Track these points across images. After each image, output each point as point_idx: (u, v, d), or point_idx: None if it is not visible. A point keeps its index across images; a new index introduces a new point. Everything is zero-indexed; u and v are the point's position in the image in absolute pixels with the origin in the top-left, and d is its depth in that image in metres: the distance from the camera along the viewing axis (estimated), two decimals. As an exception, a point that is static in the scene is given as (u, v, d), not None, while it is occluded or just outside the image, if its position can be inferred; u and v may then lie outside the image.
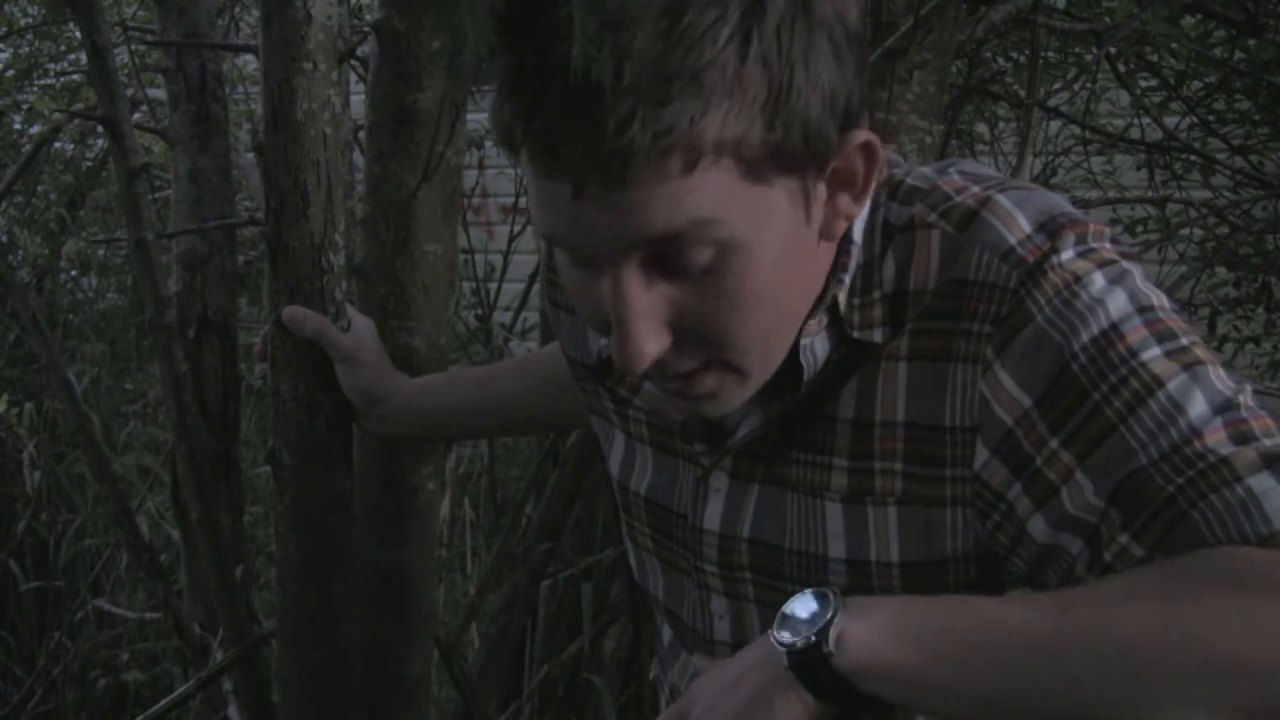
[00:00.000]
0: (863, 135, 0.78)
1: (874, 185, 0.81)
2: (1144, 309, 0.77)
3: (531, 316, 3.14)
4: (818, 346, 0.83)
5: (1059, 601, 0.73)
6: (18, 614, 3.07)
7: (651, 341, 0.75)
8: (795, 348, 0.82)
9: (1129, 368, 0.75)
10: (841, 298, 0.83)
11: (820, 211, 0.79)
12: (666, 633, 1.06)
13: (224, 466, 1.54)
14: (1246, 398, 0.75)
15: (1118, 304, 0.77)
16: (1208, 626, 0.68)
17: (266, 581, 2.07)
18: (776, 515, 0.89)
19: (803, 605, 0.76)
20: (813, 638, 0.73)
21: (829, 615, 0.74)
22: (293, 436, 1.25)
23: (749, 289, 0.75)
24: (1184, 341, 0.76)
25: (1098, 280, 0.77)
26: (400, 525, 1.44)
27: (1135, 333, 0.76)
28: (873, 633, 0.73)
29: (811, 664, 0.74)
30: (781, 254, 0.76)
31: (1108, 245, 0.80)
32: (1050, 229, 0.79)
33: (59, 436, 3.30)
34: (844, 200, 0.80)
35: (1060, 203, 0.82)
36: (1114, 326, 0.76)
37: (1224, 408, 0.74)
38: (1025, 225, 0.79)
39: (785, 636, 0.75)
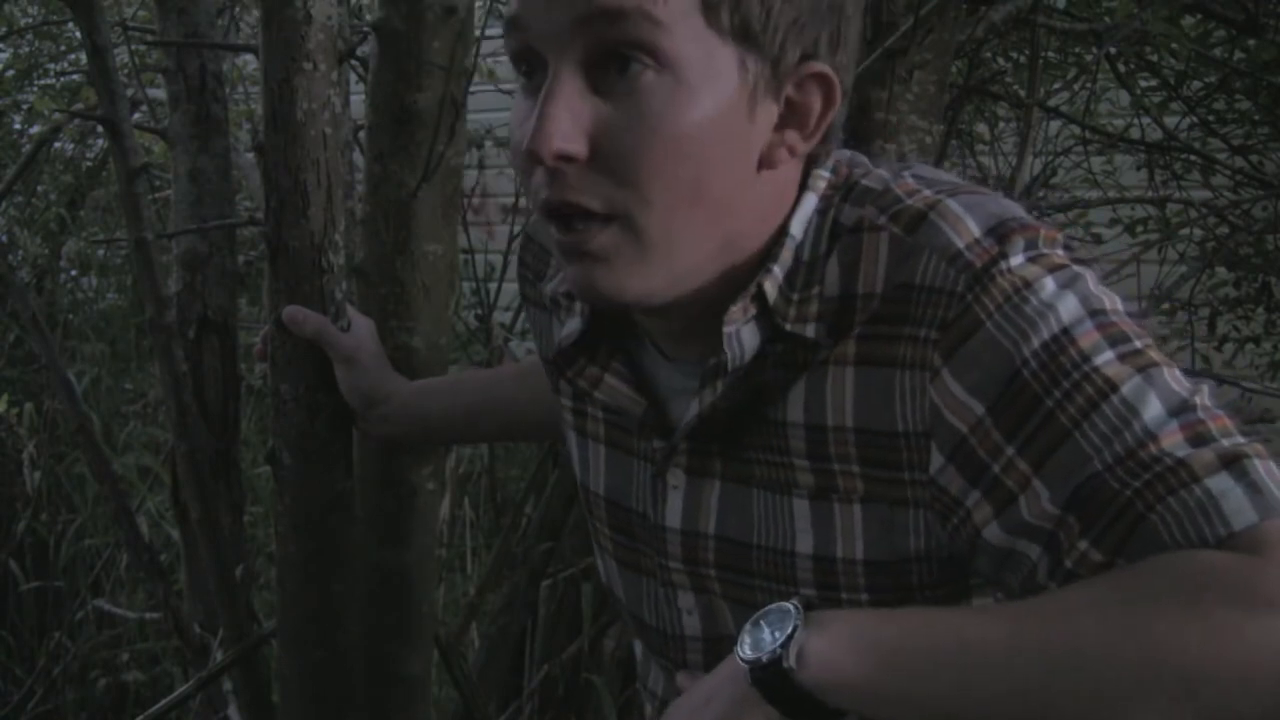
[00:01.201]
0: (821, 66, 0.80)
1: (825, 129, 0.82)
2: (1096, 312, 0.76)
3: (531, 316, 3.14)
4: (745, 336, 0.83)
5: (1017, 613, 0.73)
6: (18, 614, 3.07)
7: (563, 134, 0.76)
8: (720, 336, 0.83)
9: (1081, 373, 0.74)
10: (769, 288, 0.83)
11: (766, 127, 0.80)
12: (638, 646, 1.06)
13: (224, 466, 1.54)
14: (1203, 398, 0.75)
15: (1069, 308, 0.76)
16: (1165, 635, 0.67)
17: (266, 581, 2.07)
18: (742, 512, 0.89)
19: (767, 619, 0.75)
20: (777, 651, 0.73)
21: (789, 631, 0.73)
22: (293, 436, 1.25)
23: (672, 125, 0.76)
24: (1138, 344, 0.76)
25: (1048, 285, 0.77)
26: (400, 525, 1.44)
27: (1087, 337, 0.75)
28: (834, 648, 0.72)
29: (774, 680, 0.73)
30: (715, 121, 0.77)
31: (1059, 251, 0.79)
32: (999, 233, 0.78)
33: (59, 436, 3.30)
34: (792, 135, 0.82)
35: (1012, 208, 0.81)
36: (1065, 331, 0.75)
37: (1180, 409, 0.73)
38: (974, 229, 0.78)
39: (748, 653, 0.74)
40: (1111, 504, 0.72)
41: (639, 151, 0.77)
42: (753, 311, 0.83)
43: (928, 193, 0.82)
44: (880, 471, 0.82)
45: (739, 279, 0.83)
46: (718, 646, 0.93)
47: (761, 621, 0.75)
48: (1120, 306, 0.78)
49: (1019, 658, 0.69)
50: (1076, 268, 0.78)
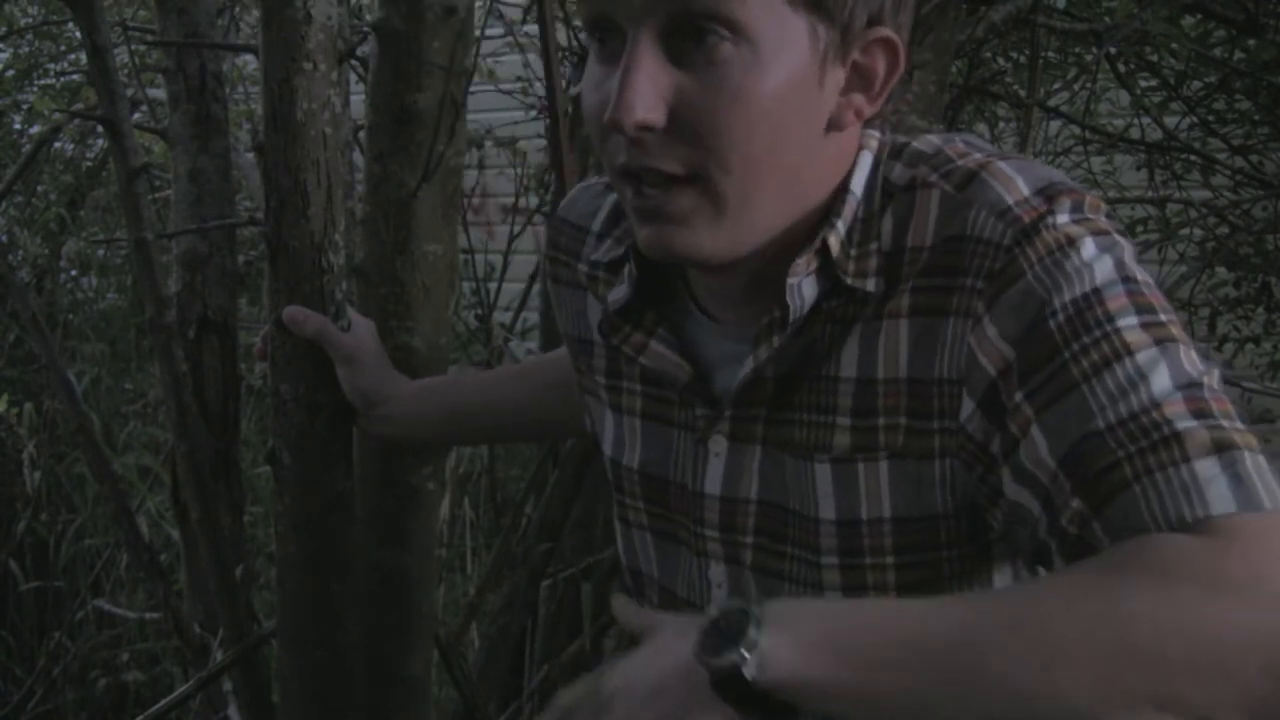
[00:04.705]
0: (887, 30, 0.83)
1: (889, 91, 0.85)
2: (1128, 279, 0.79)
3: (531, 317, 3.14)
4: (805, 288, 0.86)
5: (983, 602, 0.74)
6: (18, 614, 3.07)
7: (645, 104, 0.79)
8: (784, 288, 0.85)
9: (1103, 331, 0.76)
10: (834, 243, 0.85)
11: (835, 92, 0.84)
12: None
13: (224, 466, 1.54)
14: (1212, 380, 0.76)
15: (1104, 270, 0.78)
16: (1131, 619, 0.66)
17: (266, 581, 2.07)
18: (779, 476, 0.91)
19: (724, 618, 0.73)
20: (736, 660, 0.71)
21: (749, 633, 0.71)
22: (293, 436, 1.25)
23: (750, 95, 0.79)
24: (1162, 318, 0.78)
25: (1089, 246, 0.79)
26: (400, 525, 1.44)
27: (1116, 300, 0.78)
28: (795, 648, 0.71)
29: (733, 683, 0.71)
30: (789, 89, 0.80)
31: (1103, 218, 0.82)
32: (1048, 193, 0.81)
33: (59, 436, 3.30)
34: (859, 99, 0.85)
35: (1060, 174, 0.84)
36: (1096, 290, 0.78)
37: (1187, 384, 0.75)
38: (1024, 188, 0.82)
39: (706, 655, 0.72)
40: (1103, 461, 0.73)
41: (718, 121, 0.80)
42: (815, 264, 0.86)
43: (979, 155, 0.85)
44: (919, 422, 0.84)
45: (801, 235, 0.86)
46: None
47: (719, 620, 0.73)
48: (1152, 281, 0.80)
49: (987, 648, 0.68)
50: (1117, 237, 0.81)
